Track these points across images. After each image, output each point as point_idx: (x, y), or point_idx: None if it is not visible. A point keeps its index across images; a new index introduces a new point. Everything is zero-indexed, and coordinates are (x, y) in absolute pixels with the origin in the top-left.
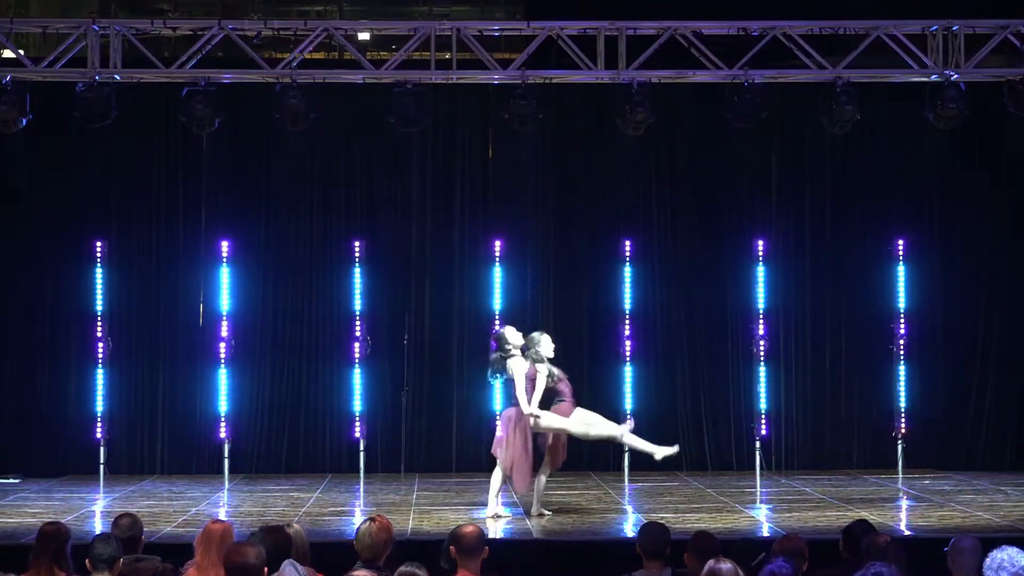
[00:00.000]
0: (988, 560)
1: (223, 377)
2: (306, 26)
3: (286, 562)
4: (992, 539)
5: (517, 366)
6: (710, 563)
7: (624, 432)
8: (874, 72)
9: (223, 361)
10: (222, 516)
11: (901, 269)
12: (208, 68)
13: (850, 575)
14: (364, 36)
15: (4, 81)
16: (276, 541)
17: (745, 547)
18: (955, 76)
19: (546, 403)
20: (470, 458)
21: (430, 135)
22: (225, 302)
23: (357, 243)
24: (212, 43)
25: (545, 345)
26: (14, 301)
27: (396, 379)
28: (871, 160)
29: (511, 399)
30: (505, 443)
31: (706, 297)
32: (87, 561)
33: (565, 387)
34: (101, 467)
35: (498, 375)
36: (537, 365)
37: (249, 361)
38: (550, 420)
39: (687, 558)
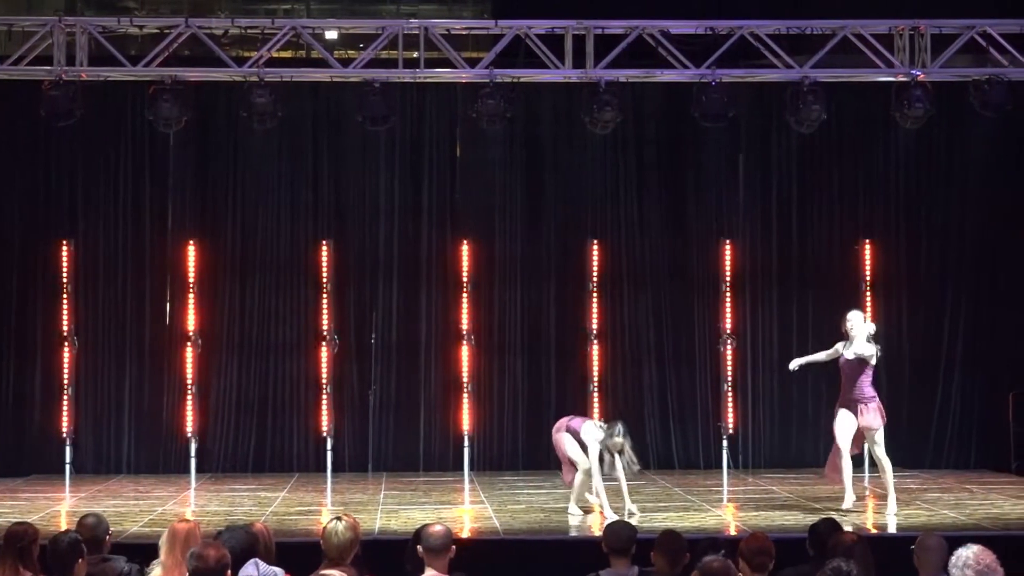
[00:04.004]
0: (953, 558)
1: (190, 376)
2: (273, 24)
3: (249, 562)
4: (957, 537)
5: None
6: (705, 559)
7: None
8: (841, 72)
9: (190, 360)
10: (188, 516)
11: (867, 268)
12: (175, 66)
13: (816, 574)
14: (332, 35)
15: None
16: (242, 540)
17: (712, 545)
18: (921, 75)
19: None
20: (437, 457)
21: (398, 134)
22: (192, 301)
23: (324, 241)
24: (179, 41)
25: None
26: None
27: (364, 378)
28: (838, 159)
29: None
30: None
31: (674, 296)
32: (50, 561)
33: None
34: (67, 466)
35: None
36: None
37: (216, 360)
38: None
39: (654, 557)
